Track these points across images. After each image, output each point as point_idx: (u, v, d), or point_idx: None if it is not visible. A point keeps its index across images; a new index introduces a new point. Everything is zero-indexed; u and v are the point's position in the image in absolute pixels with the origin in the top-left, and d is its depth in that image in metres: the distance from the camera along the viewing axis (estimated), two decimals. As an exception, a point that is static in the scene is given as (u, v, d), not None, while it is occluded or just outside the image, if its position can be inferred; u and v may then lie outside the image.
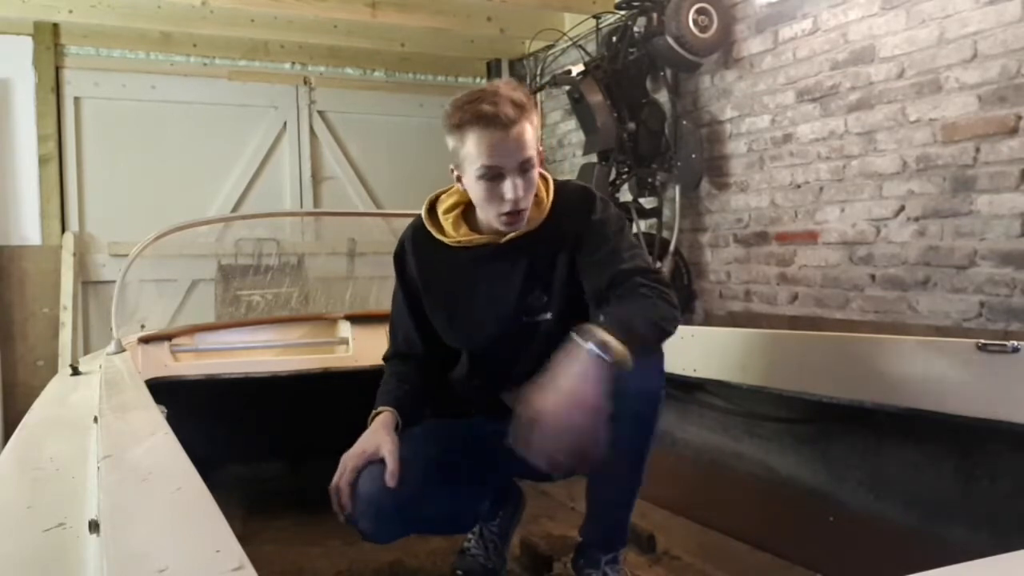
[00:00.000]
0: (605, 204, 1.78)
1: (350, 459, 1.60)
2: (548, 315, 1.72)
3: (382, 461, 1.58)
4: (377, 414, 1.70)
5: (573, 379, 1.36)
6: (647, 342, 1.50)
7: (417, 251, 1.79)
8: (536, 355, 1.72)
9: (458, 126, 1.59)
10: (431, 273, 1.79)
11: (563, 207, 1.74)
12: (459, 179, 1.69)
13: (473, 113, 1.56)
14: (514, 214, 1.61)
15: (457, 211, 1.75)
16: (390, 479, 1.54)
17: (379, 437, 1.62)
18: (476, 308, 1.76)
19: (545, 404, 1.34)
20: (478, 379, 1.83)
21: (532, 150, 1.61)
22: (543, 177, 1.76)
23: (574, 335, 1.41)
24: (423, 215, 1.78)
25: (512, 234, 1.69)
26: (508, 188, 1.59)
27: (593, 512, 1.76)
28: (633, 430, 1.63)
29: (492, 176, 1.59)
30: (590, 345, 1.38)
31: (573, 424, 1.32)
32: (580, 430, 1.33)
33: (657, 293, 1.56)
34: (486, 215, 1.67)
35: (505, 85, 1.63)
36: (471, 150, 1.58)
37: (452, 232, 1.73)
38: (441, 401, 1.87)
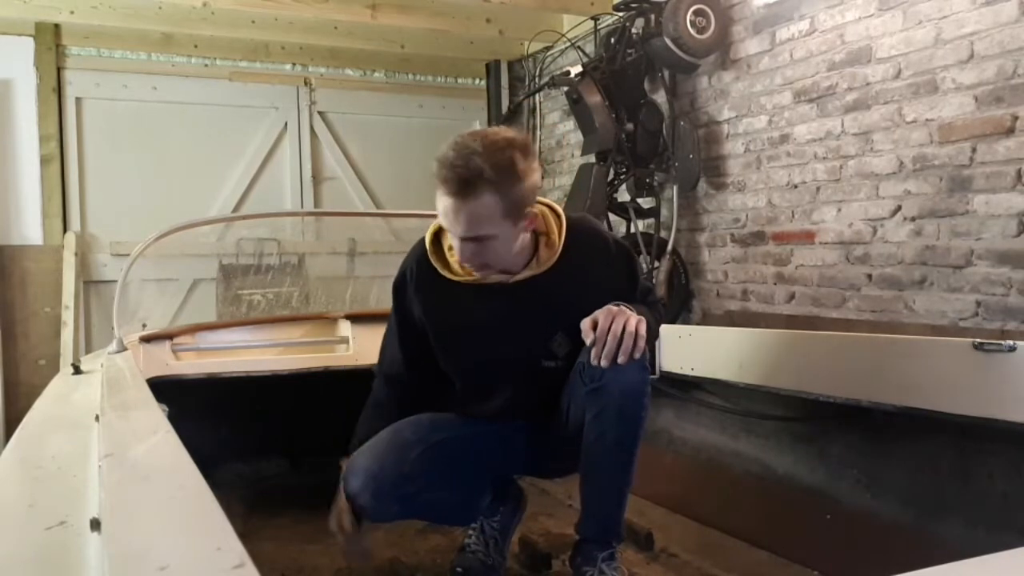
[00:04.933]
0: (634, 258, 1.87)
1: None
2: (562, 361, 1.76)
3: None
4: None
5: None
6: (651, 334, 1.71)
7: (421, 286, 1.78)
8: (547, 389, 1.78)
9: (435, 173, 1.59)
10: (436, 310, 1.78)
11: (578, 248, 1.75)
12: None
13: (439, 165, 1.56)
14: (475, 267, 1.66)
15: None
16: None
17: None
18: (491, 349, 1.77)
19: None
20: (482, 407, 1.84)
21: (485, 227, 1.57)
22: (555, 213, 1.76)
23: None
24: (427, 247, 1.77)
25: (521, 276, 1.71)
26: (457, 250, 1.63)
27: (587, 509, 1.78)
28: (619, 427, 1.66)
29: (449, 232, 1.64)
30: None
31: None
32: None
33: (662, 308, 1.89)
34: None
35: (493, 144, 1.56)
36: (436, 203, 1.61)
37: (459, 269, 1.73)
38: (443, 403, 1.89)
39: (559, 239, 1.73)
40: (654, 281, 4.06)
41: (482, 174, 1.52)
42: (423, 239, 1.80)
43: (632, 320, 1.58)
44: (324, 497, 1.79)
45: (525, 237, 1.70)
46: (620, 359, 1.56)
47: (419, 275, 1.78)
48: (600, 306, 1.65)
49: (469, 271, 1.72)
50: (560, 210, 1.78)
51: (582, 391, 1.70)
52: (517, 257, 1.71)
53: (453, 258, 1.73)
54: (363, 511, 1.65)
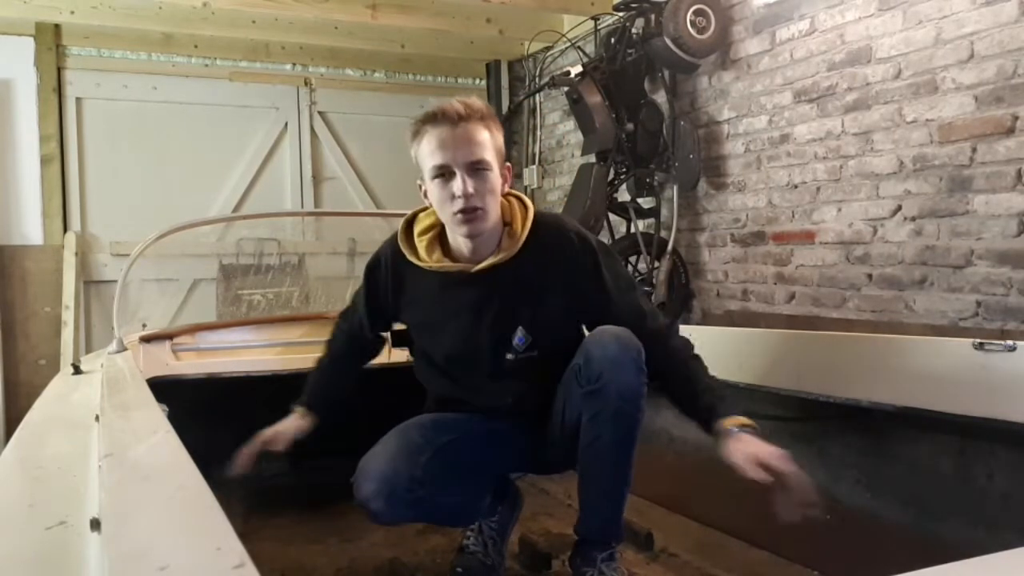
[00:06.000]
0: (607, 253, 1.82)
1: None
2: (535, 353, 1.76)
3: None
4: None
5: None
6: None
7: (393, 272, 1.83)
8: (518, 383, 1.79)
9: (416, 132, 1.66)
10: (406, 297, 1.83)
11: (543, 243, 1.75)
12: (425, 194, 1.72)
13: (426, 115, 1.65)
14: (468, 212, 1.64)
15: (432, 234, 1.78)
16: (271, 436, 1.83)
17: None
18: (455, 340, 1.79)
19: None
20: (458, 397, 1.86)
21: (485, 152, 1.64)
22: (522, 204, 1.78)
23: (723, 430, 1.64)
24: (399, 235, 1.81)
25: (483, 264, 1.71)
26: (457, 185, 1.62)
27: (585, 511, 1.78)
28: (616, 428, 1.66)
29: (443, 174, 1.64)
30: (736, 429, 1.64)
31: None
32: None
33: (685, 343, 1.81)
34: (447, 221, 1.70)
35: (466, 96, 1.68)
36: (425, 151, 1.65)
37: (425, 256, 1.76)
38: (436, 399, 1.90)
39: (522, 230, 1.74)
40: (654, 281, 4.06)
41: (474, 106, 1.65)
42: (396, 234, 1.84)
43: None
44: (324, 497, 1.80)
45: (502, 204, 1.73)
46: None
47: (393, 261, 1.83)
48: (559, 303, 1.74)
49: (438, 258, 1.75)
50: (529, 203, 1.80)
51: (577, 392, 1.70)
52: (494, 224, 1.71)
53: (422, 245, 1.77)
54: (375, 515, 1.66)
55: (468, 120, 1.62)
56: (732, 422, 1.65)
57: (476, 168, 1.63)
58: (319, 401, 1.95)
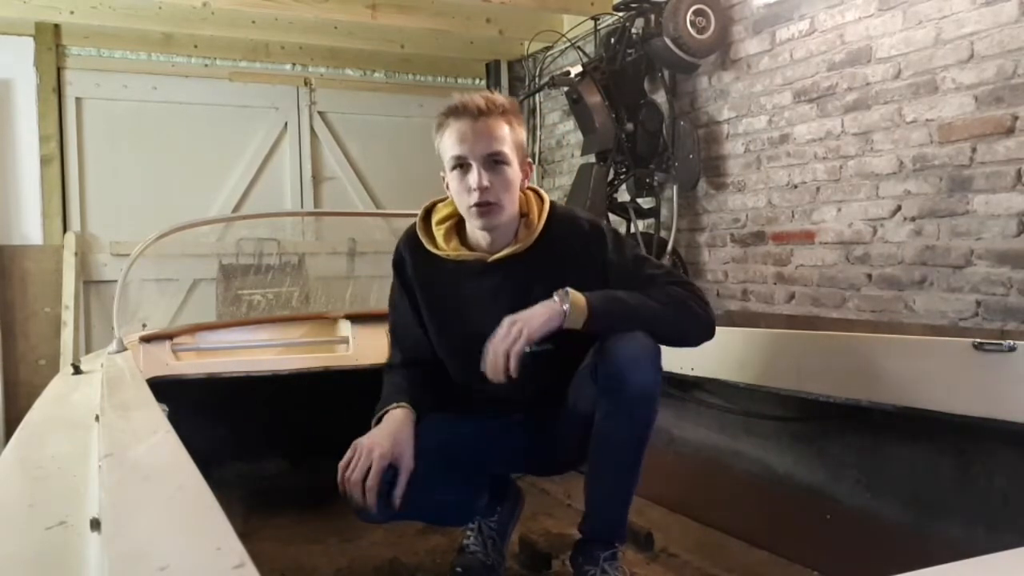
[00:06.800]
0: (616, 235, 1.80)
1: (370, 456, 1.61)
2: (551, 346, 1.72)
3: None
4: (391, 409, 1.72)
5: (524, 315, 1.59)
6: (632, 315, 1.65)
7: (413, 258, 1.83)
8: (533, 379, 1.76)
9: (439, 124, 1.68)
10: (426, 282, 1.82)
11: (558, 233, 1.75)
12: (447, 186, 1.73)
13: (448, 107, 1.67)
14: (483, 205, 1.65)
15: (450, 223, 1.78)
16: (397, 499, 1.62)
17: (400, 444, 1.66)
18: (469, 328, 1.76)
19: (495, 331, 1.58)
20: (469, 392, 1.84)
21: (503, 146, 1.65)
22: (539, 197, 1.79)
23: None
24: (417, 223, 1.82)
25: (500, 253, 1.72)
26: (473, 178, 1.64)
27: (591, 509, 1.78)
28: (630, 429, 1.65)
29: (461, 166, 1.66)
30: (557, 295, 1.61)
31: (503, 347, 1.57)
32: (503, 352, 1.56)
33: (687, 291, 1.70)
34: (464, 213, 1.71)
35: (492, 92, 1.72)
36: (446, 143, 1.67)
37: (443, 245, 1.77)
38: (440, 397, 1.90)
39: (539, 221, 1.75)
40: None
41: (497, 101, 1.67)
42: (414, 223, 1.85)
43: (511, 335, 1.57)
44: (324, 497, 1.80)
45: (520, 197, 1.74)
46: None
47: (411, 249, 1.83)
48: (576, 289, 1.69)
49: (455, 247, 1.75)
50: (546, 196, 1.81)
51: (592, 388, 1.68)
52: (511, 217, 1.71)
53: (440, 234, 1.77)
54: (359, 514, 1.65)
55: (489, 114, 1.64)
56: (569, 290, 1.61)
57: (493, 161, 1.64)
58: (421, 407, 1.82)
